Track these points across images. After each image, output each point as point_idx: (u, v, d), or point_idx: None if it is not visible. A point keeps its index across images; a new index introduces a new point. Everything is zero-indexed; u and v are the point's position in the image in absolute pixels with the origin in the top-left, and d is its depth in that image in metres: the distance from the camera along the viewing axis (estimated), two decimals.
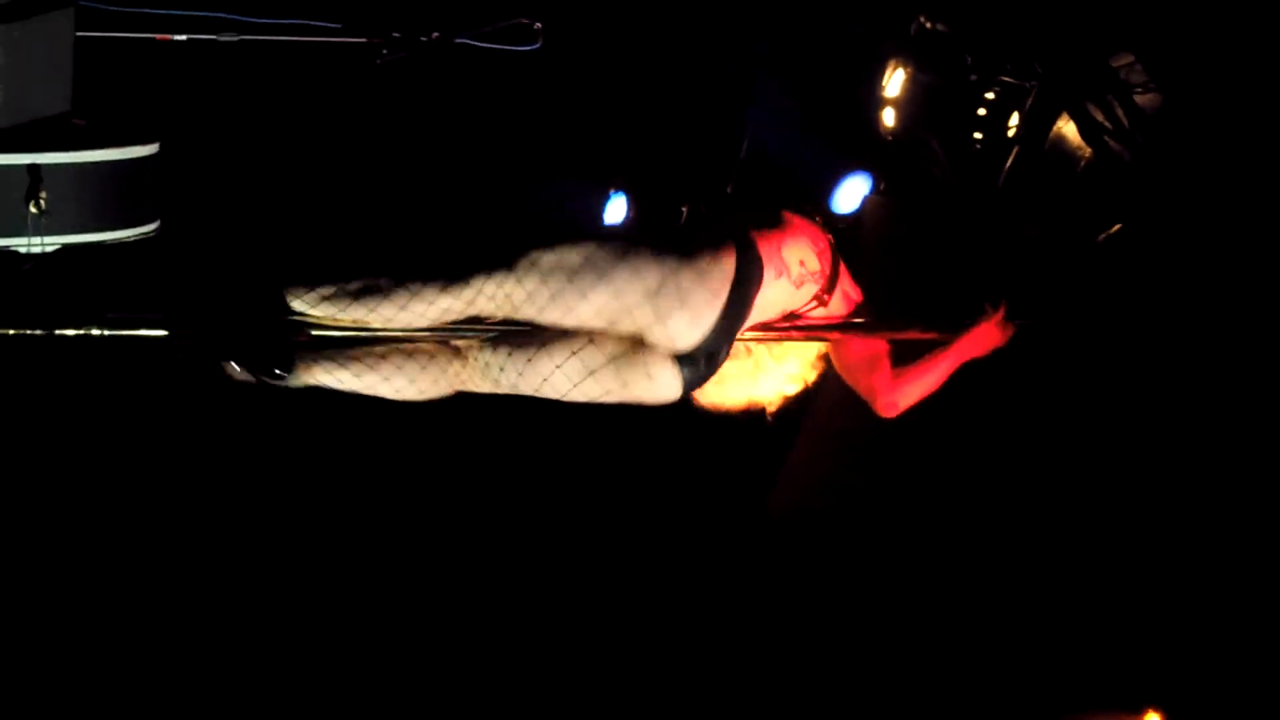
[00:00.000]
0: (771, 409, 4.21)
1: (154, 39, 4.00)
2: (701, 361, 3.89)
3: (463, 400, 4.66)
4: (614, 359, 3.81)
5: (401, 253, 3.88)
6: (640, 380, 3.85)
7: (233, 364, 3.66)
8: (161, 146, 3.80)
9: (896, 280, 5.19)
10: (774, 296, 4.03)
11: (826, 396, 4.56)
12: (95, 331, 3.63)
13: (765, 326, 4.07)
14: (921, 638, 5.45)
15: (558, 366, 3.78)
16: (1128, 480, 5.20)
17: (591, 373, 3.79)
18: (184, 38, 4.01)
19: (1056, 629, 5.29)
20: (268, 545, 5.37)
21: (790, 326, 4.11)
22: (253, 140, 5.05)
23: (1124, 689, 5.14)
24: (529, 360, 3.79)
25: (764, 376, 4.17)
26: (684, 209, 4.97)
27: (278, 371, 3.67)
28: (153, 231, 3.85)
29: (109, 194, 3.73)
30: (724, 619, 5.72)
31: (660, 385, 3.87)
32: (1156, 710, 5.10)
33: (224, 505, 5.31)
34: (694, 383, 3.91)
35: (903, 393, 4.13)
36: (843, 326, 4.17)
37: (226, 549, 5.32)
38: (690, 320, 3.82)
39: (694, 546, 5.74)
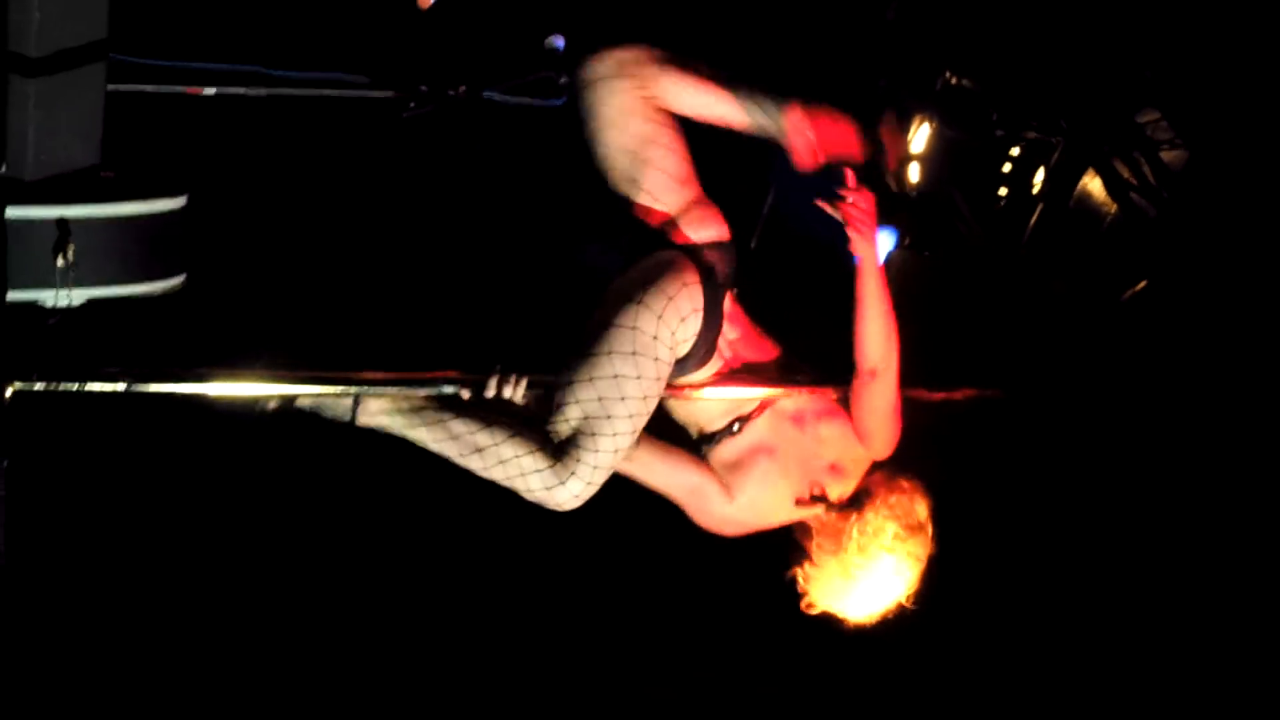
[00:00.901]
0: (911, 598, 3.96)
1: (183, 92, 4.00)
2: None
3: None
4: None
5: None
6: (660, 271, 3.79)
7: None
8: (189, 200, 3.79)
9: (920, 336, 5.17)
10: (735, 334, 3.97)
11: None
12: (120, 386, 3.61)
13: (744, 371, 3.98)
14: (899, 653, 5.40)
15: None
16: (1133, 524, 5.19)
17: None
18: (213, 91, 4.01)
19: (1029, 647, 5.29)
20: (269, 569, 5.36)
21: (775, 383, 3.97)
22: (281, 193, 5.05)
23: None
24: None
25: (879, 573, 3.89)
26: None
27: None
28: (179, 285, 3.83)
29: (136, 247, 3.72)
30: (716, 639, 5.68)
31: (681, 275, 3.79)
32: None
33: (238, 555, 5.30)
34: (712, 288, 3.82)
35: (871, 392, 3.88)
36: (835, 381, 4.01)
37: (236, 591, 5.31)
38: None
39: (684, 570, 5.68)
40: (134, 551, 5.10)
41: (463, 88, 4.12)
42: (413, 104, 4.09)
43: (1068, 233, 5.24)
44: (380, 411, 3.73)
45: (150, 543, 5.12)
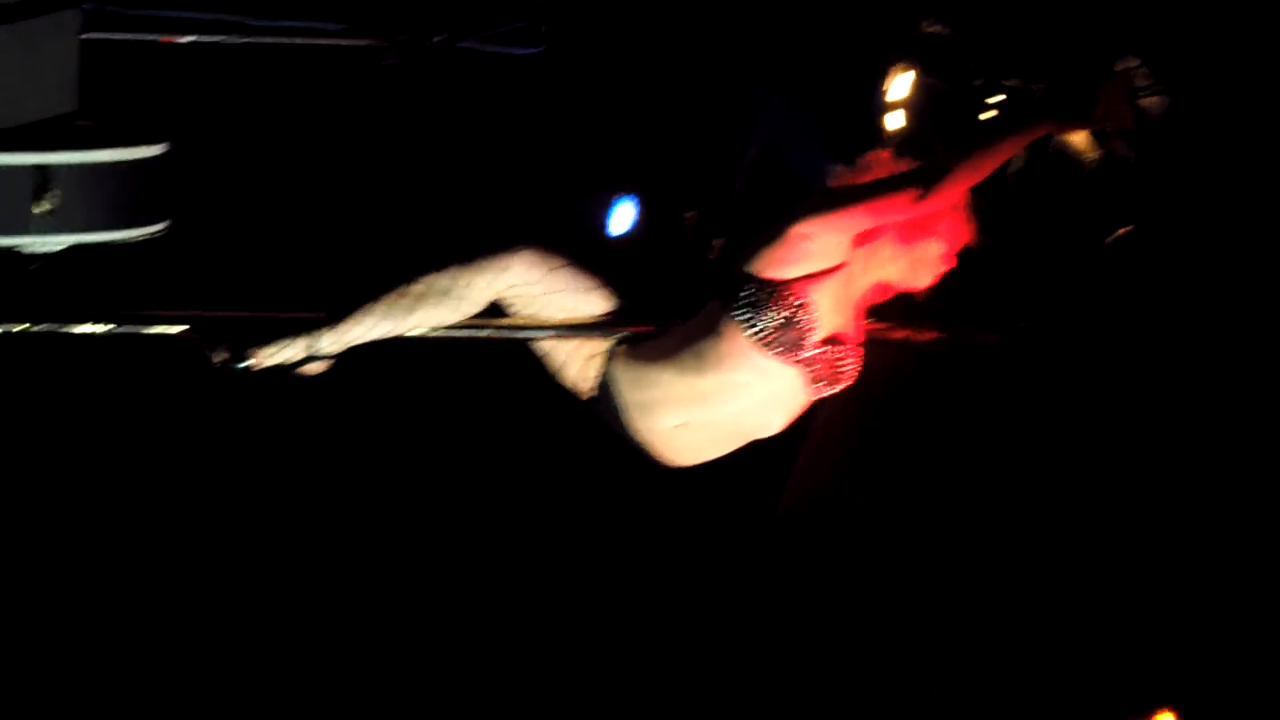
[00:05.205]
0: None
1: (159, 41, 4.03)
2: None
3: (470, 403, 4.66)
4: None
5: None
6: None
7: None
8: (170, 147, 3.82)
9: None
10: None
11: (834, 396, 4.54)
12: (102, 328, 3.65)
13: None
14: (928, 636, 5.43)
15: None
16: (1136, 479, 5.19)
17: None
18: (190, 39, 4.04)
19: (1066, 628, 5.27)
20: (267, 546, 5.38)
21: None
22: (260, 141, 5.08)
23: (1136, 689, 5.12)
24: None
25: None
26: (690, 214, 4.99)
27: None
28: (161, 231, 3.87)
29: (117, 194, 3.75)
30: (736, 625, 5.70)
31: None
32: (1170, 710, 5.07)
33: (229, 503, 5.31)
34: None
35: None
36: None
37: (230, 546, 5.33)
38: None
39: (704, 553, 5.73)
40: (109, 496, 5.12)
41: (441, 36, 4.15)
42: (391, 52, 4.12)
43: (1050, 180, 5.26)
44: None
45: (125, 487, 5.14)
